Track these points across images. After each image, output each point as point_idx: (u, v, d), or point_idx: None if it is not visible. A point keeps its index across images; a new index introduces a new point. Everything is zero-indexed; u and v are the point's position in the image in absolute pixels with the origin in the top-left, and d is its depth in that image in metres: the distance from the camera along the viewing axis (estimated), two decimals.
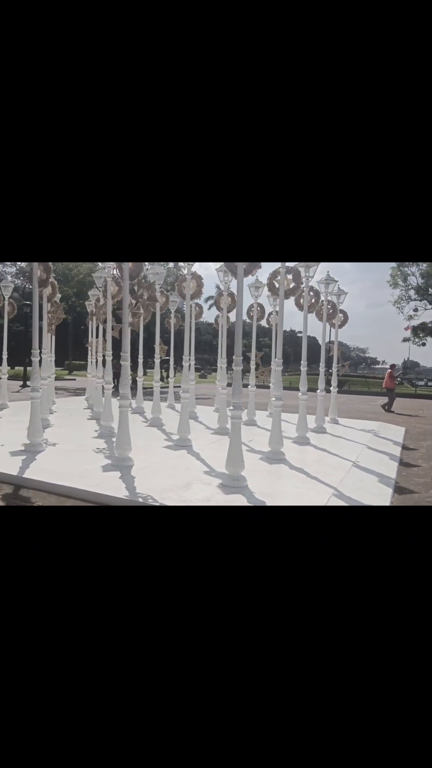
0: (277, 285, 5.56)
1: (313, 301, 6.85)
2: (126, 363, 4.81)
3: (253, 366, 9.22)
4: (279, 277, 5.53)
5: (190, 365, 7.19)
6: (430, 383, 34.07)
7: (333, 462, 5.61)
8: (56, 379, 12.62)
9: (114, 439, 6.05)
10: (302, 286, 6.07)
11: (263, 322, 9.75)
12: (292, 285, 5.68)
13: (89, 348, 10.80)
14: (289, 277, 5.73)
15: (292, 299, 6.66)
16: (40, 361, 5.73)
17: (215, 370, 10.73)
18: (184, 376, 6.11)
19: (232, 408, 4.28)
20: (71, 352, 30.79)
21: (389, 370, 13.29)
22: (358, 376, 33.05)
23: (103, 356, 6.96)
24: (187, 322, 5.88)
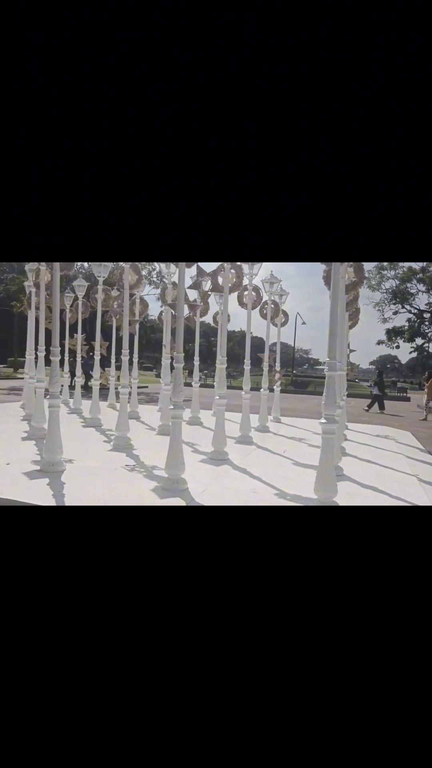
0: (221, 281, 5.40)
1: (255, 299, 6.76)
2: (55, 359, 4.45)
3: (196, 363, 9.05)
4: (222, 274, 5.37)
5: (131, 360, 6.87)
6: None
7: (276, 461, 5.54)
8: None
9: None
10: (245, 283, 5.95)
11: (210, 321, 9.61)
12: (234, 280, 5.54)
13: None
14: (233, 272, 5.58)
15: (234, 297, 6.55)
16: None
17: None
18: (123, 372, 5.80)
19: (171, 407, 4.05)
20: (16, 349, 28.98)
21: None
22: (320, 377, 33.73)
23: (36, 353, 6.48)
24: (125, 313, 5.58)
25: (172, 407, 4.06)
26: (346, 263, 4.69)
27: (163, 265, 6.90)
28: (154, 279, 25.51)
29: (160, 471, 4.62)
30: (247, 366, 6.72)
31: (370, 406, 13.90)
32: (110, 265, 7.85)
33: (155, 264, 19.71)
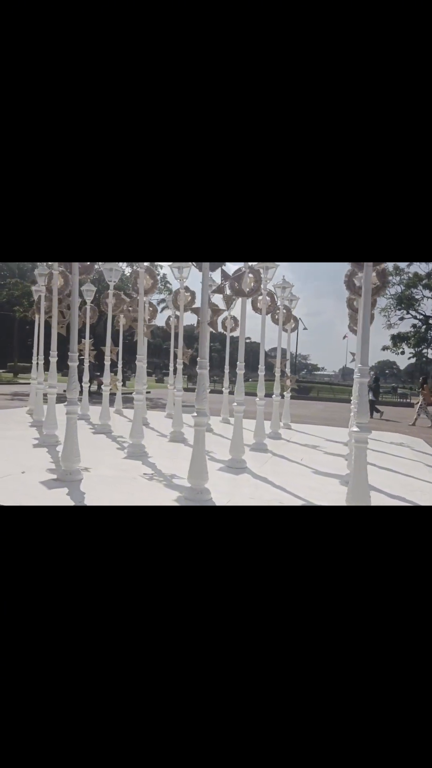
0: (237, 286, 5.29)
1: (269, 304, 6.66)
2: (74, 364, 4.32)
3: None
4: (240, 278, 5.25)
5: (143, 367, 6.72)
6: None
7: (296, 470, 5.41)
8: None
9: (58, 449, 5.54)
10: (261, 287, 5.85)
11: (218, 327, 9.48)
12: (253, 284, 5.43)
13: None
14: (251, 276, 5.48)
15: (247, 302, 6.44)
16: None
17: (167, 374, 10.27)
18: (138, 378, 5.66)
19: (195, 414, 3.92)
20: (16, 354, 28.70)
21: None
22: (322, 383, 33.36)
23: (48, 358, 6.33)
24: (140, 319, 5.46)
25: (195, 414, 3.93)
26: (371, 265, 4.58)
27: (175, 270, 6.79)
28: (159, 285, 25.56)
29: (179, 480, 4.49)
30: (261, 372, 6.61)
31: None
32: (121, 268, 7.73)
33: (159, 270, 19.58)
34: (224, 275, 5.18)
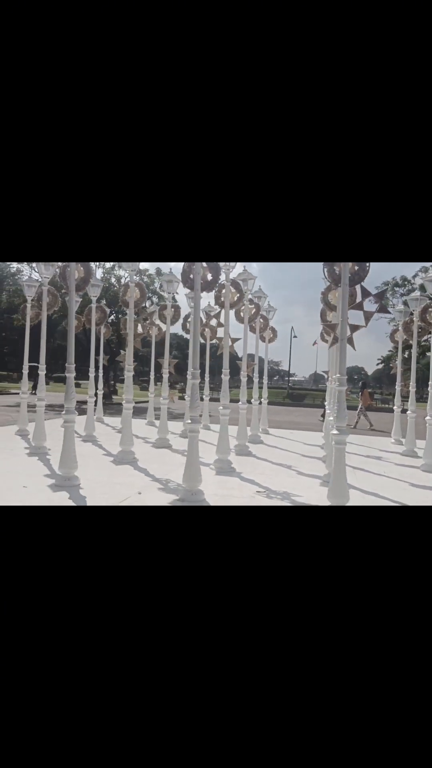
0: (222, 298, 5.62)
1: (252, 313, 7.02)
2: (71, 375, 4.52)
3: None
4: (224, 291, 5.58)
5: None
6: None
7: (281, 471, 5.74)
8: None
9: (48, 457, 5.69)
10: (244, 298, 6.19)
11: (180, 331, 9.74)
12: (236, 297, 5.76)
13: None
14: (233, 290, 5.81)
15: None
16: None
17: (147, 382, 10.43)
18: (126, 388, 5.89)
19: (189, 421, 4.20)
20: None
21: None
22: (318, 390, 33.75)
23: (37, 371, 6.45)
24: (129, 329, 5.69)
25: (189, 421, 4.20)
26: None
27: (164, 284, 7.06)
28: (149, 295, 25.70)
29: (174, 484, 4.74)
30: (243, 378, 6.94)
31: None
32: (101, 284, 7.89)
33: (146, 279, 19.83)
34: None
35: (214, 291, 5.09)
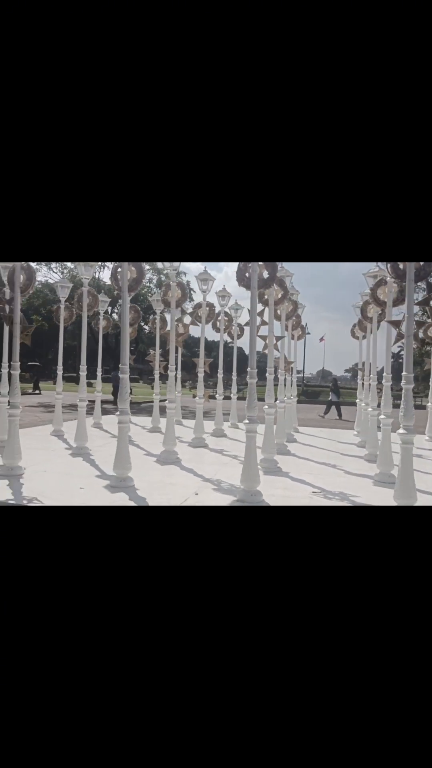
0: (266, 296, 5.54)
1: (290, 310, 6.96)
2: (125, 376, 4.50)
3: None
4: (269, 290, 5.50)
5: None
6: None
7: (327, 471, 5.69)
8: None
9: None
10: (286, 298, 6.13)
11: (225, 335, 9.71)
12: (280, 294, 5.70)
13: None
14: (277, 287, 5.74)
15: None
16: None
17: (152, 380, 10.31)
18: (169, 388, 5.87)
19: (247, 422, 4.15)
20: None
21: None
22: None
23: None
24: (172, 332, 5.66)
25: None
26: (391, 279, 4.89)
27: (200, 282, 7.00)
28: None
29: (227, 484, 4.72)
30: (281, 376, 6.89)
31: (326, 412, 14.15)
32: (69, 285, 7.82)
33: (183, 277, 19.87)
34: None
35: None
